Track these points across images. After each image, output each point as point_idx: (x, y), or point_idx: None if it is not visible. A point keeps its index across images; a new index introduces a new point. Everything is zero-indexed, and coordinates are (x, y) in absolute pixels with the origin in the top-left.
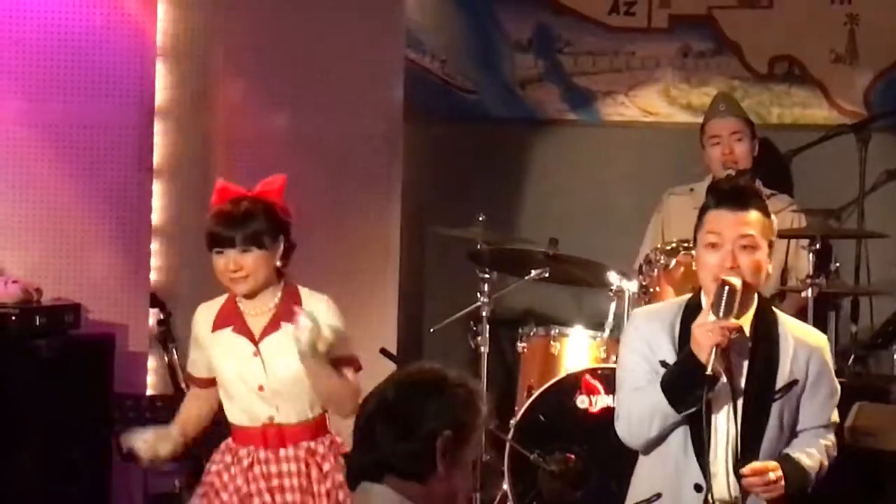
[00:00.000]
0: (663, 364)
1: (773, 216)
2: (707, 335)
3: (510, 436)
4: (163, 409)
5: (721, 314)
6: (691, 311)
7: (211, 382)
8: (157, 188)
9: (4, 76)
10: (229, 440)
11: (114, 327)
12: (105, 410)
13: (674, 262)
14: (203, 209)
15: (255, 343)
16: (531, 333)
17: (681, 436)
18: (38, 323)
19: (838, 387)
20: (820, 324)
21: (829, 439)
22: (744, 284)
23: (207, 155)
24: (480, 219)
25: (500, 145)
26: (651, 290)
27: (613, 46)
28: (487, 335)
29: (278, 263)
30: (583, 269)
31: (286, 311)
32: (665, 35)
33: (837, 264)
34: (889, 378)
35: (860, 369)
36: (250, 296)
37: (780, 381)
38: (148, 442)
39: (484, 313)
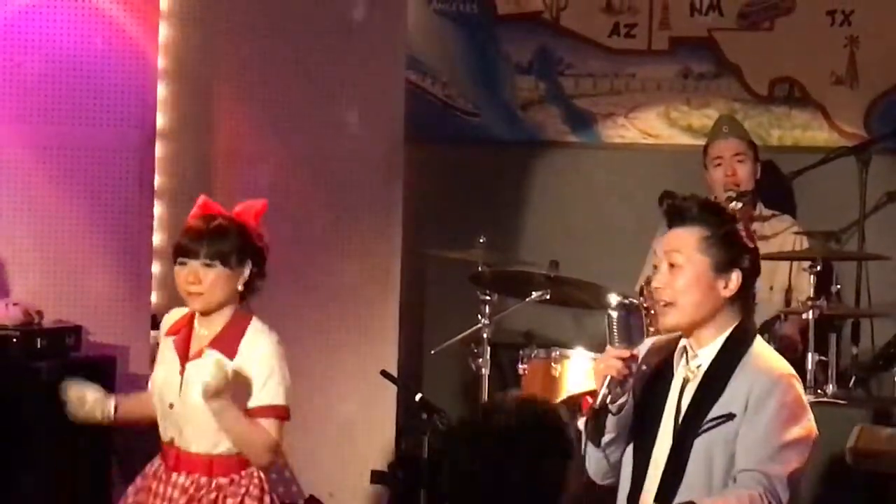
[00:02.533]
0: None
1: (736, 233)
2: (598, 367)
3: None
4: None
5: (615, 342)
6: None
7: None
8: (158, 210)
9: (5, 99)
10: None
11: (115, 349)
12: (106, 433)
13: None
14: None
15: (183, 362)
16: (532, 355)
17: (627, 468)
18: (39, 345)
19: (789, 430)
20: (821, 345)
21: (758, 490)
22: (677, 306)
23: (208, 177)
24: (481, 241)
25: (501, 167)
26: (652, 311)
27: (614, 68)
28: (488, 357)
29: (240, 287)
30: (583, 290)
31: (224, 340)
32: (665, 57)
33: (838, 286)
34: (890, 400)
35: (861, 392)
36: (205, 314)
37: (711, 417)
38: (84, 394)
39: (484, 335)
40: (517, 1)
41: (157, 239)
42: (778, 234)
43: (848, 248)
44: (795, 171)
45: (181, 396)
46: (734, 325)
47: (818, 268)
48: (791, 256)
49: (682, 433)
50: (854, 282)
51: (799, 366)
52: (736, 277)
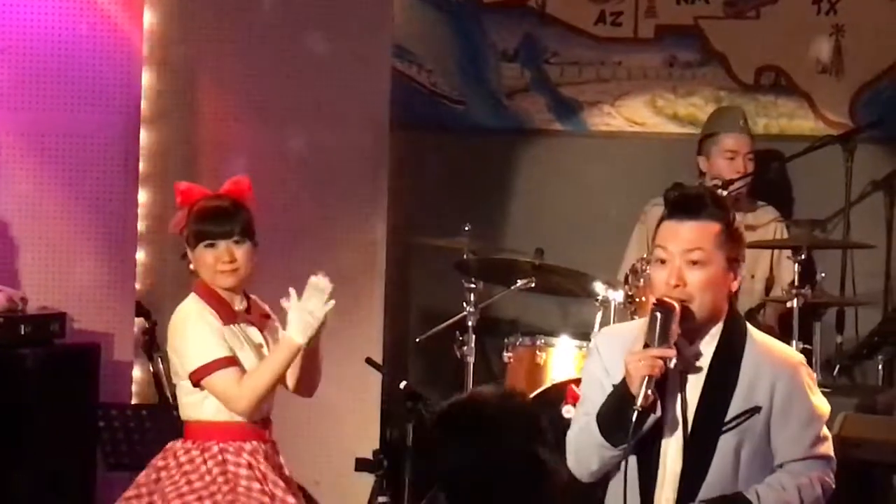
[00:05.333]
0: None
1: (739, 226)
2: (637, 366)
3: None
4: (148, 419)
5: (656, 342)
6: None
7: None
8: (143, 197)
9: None
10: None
11: (99, 336)
12: (90, 420)
13: None
14: None
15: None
16: (517, 343)
17: (632, 471)
18: (23, 332)
19: (821, 412)
20: (805, 334)
21: (809, 475)
22: (694, 304)
23: (193, 164)
24: (466, 229)
25: (487, 155)
26: (636, 299)
27: (600, 56)
28: (473, 345)
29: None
30: (569, 279)
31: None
32: (651, 45)
33: (823, 274)
34: (874, 388)
35: (845, 380)
36: (235, 289)
37: (734, 411)
38: None
39: (470, 323)
40: None
41: (142, 226)
42: (762, 224)
43: (833, 237)
44: (781, 160)
45: None
46: (725, 315)
47: (802, 256)
48: (776, 245)
49: (702, 430)
50: (839, 270)
51: None
52: (739, 271)
